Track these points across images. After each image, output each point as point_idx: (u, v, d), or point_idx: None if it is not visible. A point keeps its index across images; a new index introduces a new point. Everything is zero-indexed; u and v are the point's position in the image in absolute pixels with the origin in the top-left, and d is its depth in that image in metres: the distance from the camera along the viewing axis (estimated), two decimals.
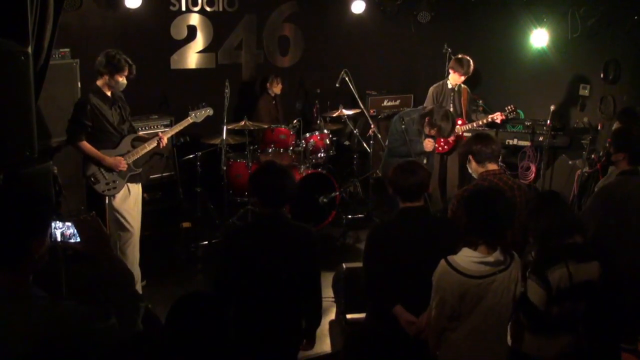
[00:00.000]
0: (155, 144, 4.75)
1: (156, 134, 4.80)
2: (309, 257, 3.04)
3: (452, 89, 6.23)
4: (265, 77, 7.25)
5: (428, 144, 5.28)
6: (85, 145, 4.46)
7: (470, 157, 3.67)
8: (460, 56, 6.13)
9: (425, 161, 5.33)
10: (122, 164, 4.54)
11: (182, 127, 5.03)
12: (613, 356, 3.60)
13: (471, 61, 6.06)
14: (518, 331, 2.97)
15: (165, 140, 4.82)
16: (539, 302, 2.83)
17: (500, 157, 3.97)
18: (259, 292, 2.96)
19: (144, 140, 4.78)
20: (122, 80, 4.53)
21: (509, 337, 2.99)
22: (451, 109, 6.17)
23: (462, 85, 6.29)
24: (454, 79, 6.18)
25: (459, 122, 6.18)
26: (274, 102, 7.25)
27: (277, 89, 7.19)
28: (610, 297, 3.33)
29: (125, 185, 4.62)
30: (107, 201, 4.59)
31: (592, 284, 2.91)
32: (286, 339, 3.11)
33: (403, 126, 5.07)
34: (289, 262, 2.95)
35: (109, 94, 4.56)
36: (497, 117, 6.18)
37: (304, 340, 3.24)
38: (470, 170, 3.76)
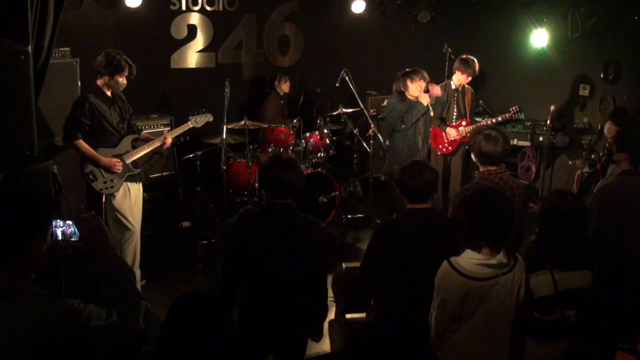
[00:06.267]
0: (159, 143, 4.80)
1: (159, 133, 4.82)
2: (316, 248, 3.08)
3: (456, 90, 6.21)
4: (274, 76, 7.25)
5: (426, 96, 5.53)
6: (82, 143, 4.46)
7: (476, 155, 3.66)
8: (464, 56, 6.07)
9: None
10: (117, 165, 4.52)
11: (181, 131, 5.05)
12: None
13: (476, 61, 6.04)
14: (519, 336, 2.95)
15: (169, 140, 4.88)
16: None
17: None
18: (265, 279, 3.00)
19: (147, 140, 4.80)
20: (122, 80, 4.54)
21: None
22: (455, 110, 6.19)
23: (466, 86, 6.26)
24: (459, 79, 6.14)
25: (463, 123, 6.17)
26: (282, 102, 7.28)
27: (285, 87, 7.23)
28: (605, 303, 3.29)
29: (124, 184, 4.61)
30: (104, 200, 4.59)
31: (580, 292, 2.84)
32: (294, 327, 3.13)
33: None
34: (297, 252, 3.00)
35: (108, 93, 4.57)
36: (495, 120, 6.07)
37: (311, 331, 3.28)
38: (473, 159, 3.77)
